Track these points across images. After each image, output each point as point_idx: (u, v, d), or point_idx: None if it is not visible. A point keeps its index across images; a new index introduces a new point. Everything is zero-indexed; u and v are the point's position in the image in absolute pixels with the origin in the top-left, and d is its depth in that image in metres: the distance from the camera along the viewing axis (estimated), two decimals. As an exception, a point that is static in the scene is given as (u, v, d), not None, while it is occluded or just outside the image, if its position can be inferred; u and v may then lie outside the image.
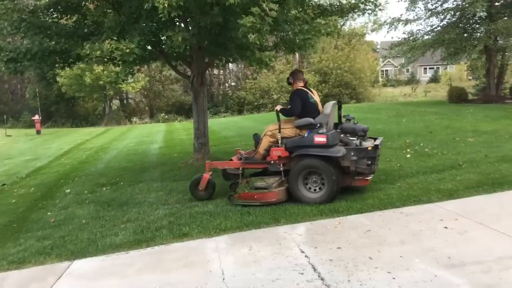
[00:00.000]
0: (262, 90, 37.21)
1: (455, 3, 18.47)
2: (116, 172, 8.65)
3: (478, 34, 18.59)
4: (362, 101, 37.11)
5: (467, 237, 4.01)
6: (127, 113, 40.95)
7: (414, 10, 20.53)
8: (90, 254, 4.47)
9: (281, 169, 5.70)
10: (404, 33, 23.21)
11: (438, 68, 54.07)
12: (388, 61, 50.95)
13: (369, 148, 5.52)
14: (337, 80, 37.10)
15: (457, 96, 19.22)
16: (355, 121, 6.11)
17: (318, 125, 5.59)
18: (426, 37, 19.51)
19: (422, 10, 19.79)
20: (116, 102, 42.10)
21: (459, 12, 18.25)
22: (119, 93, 35.85)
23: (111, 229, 5.15)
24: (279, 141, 5.75)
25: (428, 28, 19.80)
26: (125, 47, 5.38)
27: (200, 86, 7.72)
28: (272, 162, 5.76)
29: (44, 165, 11.50)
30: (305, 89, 6.02)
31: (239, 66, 45.64)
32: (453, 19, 18.92)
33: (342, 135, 5.86)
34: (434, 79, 53.16)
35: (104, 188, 7.18)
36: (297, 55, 53.80)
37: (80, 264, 4.29)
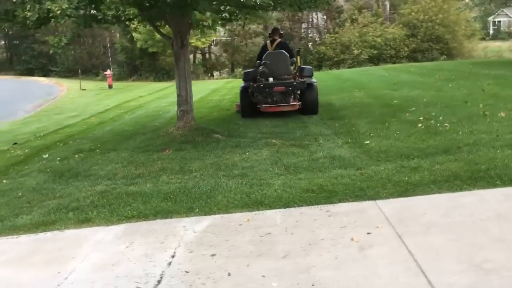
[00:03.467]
0: (343, 45, 35.46)
1: None
2: (108, 137, 8.59)
3: None
4: (455, 57, 33.84)
5: (363, 256, 3.22)
6: (207, 67, 41.61)
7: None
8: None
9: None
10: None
11: None
12: (502, 10, 45.52)
13: (255, 85, 8.87)
14: (427, 34, 34.13)
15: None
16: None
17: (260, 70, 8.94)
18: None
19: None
20: (199, 56, 42.86)
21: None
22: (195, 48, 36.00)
23: (34, 205, 5.01)
24: None
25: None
26: (55, 8, 4.98)
27: (180, 48, 7.16)
28: None
29: (72, 124, 11.89)
30: (268, 42, 9.60)
31: (321, 19, 43.91)
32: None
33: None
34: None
35: (76, 156, 7.12)
36: (387, 5, 50.49)
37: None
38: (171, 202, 4.70)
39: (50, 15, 5.15)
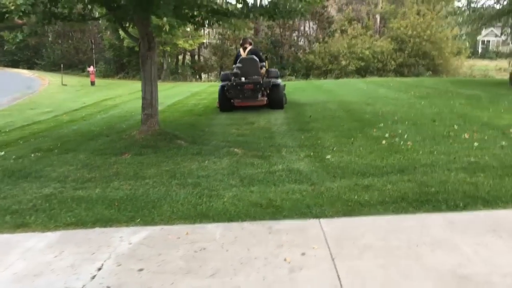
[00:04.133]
0: (332, 55, 35.55)
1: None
2: (71, 137, 8.41)
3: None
4: (440, 73, 34.09)
5: (291, 279, 3.16)
6: (195, 69, 41.45)
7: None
8: None
9: None
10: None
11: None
12: (492, 30, 45.91)
13: (229, 84, 10.74)
14: (414, 49, 34.33)
15: (517, 79, 16.70)
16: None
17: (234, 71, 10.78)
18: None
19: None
20: (188, 58, 42.68)
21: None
22: (177, 50, 35.83)
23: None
24: None
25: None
26: (9, 3, 4.84)
27: (147, 51, 7.04)
28: None
29: (41, 120, 11.67)
30: (241, 50, 11.44)
31: (311, 28, 44.05)
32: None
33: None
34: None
35: (33, 155, 6.95)
36: (378, 19, 50.92)
37: None
38: (115, 209, 4.58)
39: (4, 10, 5.01)
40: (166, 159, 6.44)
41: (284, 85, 12.22)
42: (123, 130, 8.62)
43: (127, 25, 7.26)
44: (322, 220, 4.17)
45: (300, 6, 7.96)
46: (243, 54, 11.27)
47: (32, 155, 6.96)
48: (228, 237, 3.89)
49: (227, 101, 11.16)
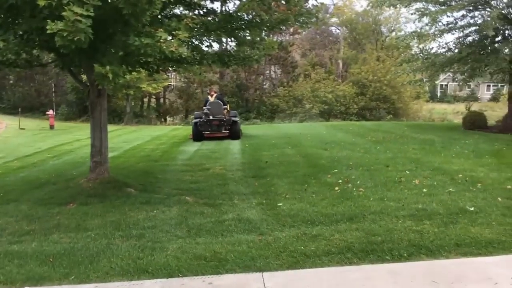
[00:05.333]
0: (296, 98, 36.20)
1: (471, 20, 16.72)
2: (17, 185, 8.07)
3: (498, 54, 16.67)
4: (401, 116, 35.18)
5: None
6: (160, 112, 41.26)
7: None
8: None
9: None
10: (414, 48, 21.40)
11: (503, 86, 49.72)
12: (449, 75, 47.73)
13: (201, 120, 14.98)
14: (375, 93, 35.41)
15: (471, 123, 17.36)
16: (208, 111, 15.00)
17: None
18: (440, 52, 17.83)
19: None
20: (153, 101, 42.52)
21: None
22: (141, 94, 35.74)
23: None
24: None
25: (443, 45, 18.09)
26: None
27: (97, 97, 6.93)
28: None
29: (-9, 167, 11.19)
30: (209, 96, 16.06)
31: (276, 72, 45.07)
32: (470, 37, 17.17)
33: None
34: (495, 98, 49.11)
35: (-29, 206, 6.58)
36: (340, 64, 52.69)
37: None
38: (48, 266, 4.33)
39: None
40: (112, 209, 6.22)
41: (240, 122, 16.77)
42: (72, 177, 8.33)
43: (78, 71, 7.18)
44: (265, 273, 4.06)
45: (253, 53, 8.10)
46: (211, 99, 15.67)
47: (-29, 206, 6.60)
48: (165, 295, 3.72)
49: (199, 133, 15.02)
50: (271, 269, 4.18)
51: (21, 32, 5.68)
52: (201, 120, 14.93)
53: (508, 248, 4.46)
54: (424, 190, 6.80)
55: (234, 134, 15.00)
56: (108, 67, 4.90)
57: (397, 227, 5.11)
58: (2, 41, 5.25)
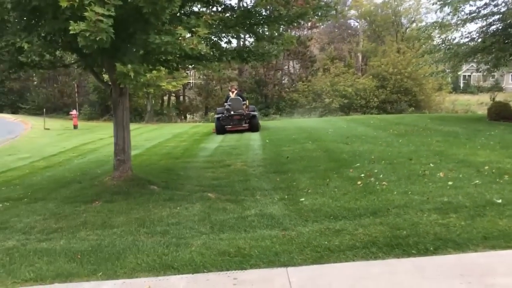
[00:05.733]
0: (315, 93, 35.97)
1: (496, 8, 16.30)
2: (43, 184, 8.27)
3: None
4: (423, 109, 34.61)
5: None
6: (180, 110, 41.58)
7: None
8: None
9: None
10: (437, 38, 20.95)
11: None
12: (472, 65, 46.86)
13: (223, 115, 16.98)
14: (396, 86, 34.90)
15: (496, 113, 16.95)
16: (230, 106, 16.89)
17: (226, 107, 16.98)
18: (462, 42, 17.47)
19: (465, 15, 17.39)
20: (173, 99, 42.91)
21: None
22: (161, 92, 36.07)
23: None
24: None
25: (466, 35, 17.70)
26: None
27: (119, 97, 7.04)
28: None
29: (17, 167, 11.47)
30: (230, 93, 17.84)
31: (294, 67, 44.90)
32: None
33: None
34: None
35: (1, 205, 6.77)
36: (359, 57, 52.19)
37: None
38: (77, 263, 4.42)
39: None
40: (136, 206, 6.30)
41: (258, 116, 18.64)
42: (97, 176, 8.48)
43: (100, 70, 7.29)
44: (289, 268, 4.06)
45: (271, 49, 8.09)
46: (232, 95, 17.35)
47: (1, 205, 6.77)
48: (191, 290, 3.75)
49: (222, 127, 16.74)
50: (295, 264, 4.18)
51: (44, 34, 5.81)
52: (223, 115, 16.75)
53: (538, 241, 4.36)
54: (449, 183, 6.68)
55: (253, 126, 16.72)
56: (129, 66, 4.96)
57: (422, 221, 5.04)
58: (27, 43, 5.39)
